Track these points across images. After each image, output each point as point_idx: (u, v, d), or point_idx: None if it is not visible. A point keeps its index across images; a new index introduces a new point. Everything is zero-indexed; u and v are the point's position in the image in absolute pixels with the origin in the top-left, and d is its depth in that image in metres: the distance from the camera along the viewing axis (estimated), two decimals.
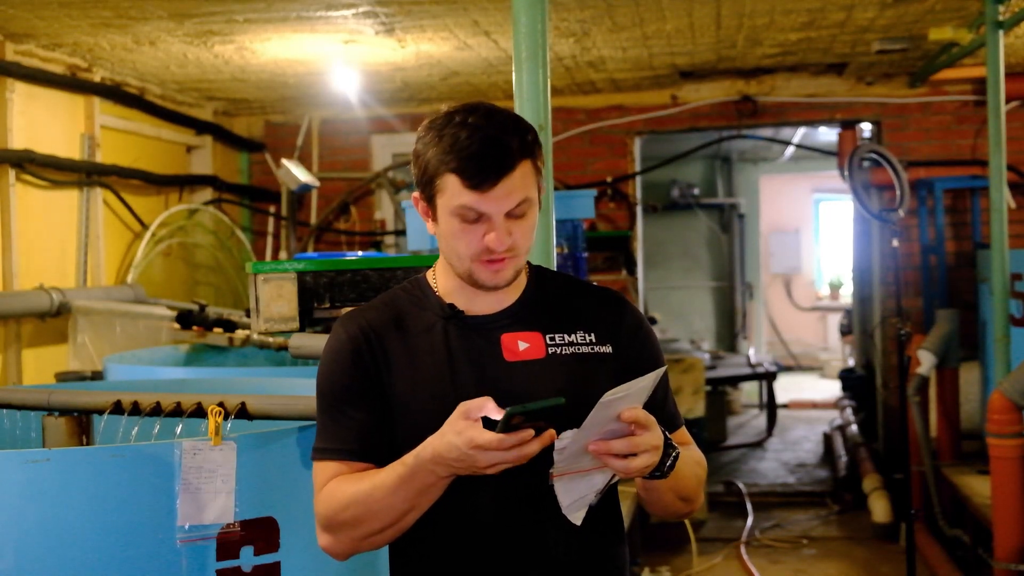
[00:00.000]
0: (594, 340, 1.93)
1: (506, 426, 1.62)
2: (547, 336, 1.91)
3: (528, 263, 2.00)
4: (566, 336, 1.92)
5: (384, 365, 1.88)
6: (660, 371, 1.75)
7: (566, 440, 1.71)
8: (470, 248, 1.83)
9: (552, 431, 1.67)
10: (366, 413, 1.87)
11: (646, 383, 1.71)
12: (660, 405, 1.92)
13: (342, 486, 1.83)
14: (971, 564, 5.54)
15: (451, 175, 1.79)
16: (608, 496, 1.92)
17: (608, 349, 1.93)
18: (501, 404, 1.70)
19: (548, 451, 1.72)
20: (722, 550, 6.56)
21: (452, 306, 1.92)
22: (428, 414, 1.82)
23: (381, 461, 1.84)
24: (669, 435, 1.84)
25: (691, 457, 1.94)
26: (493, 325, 1.91)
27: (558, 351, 1.90)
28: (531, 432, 1.64)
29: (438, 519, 1.84)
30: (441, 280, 1.95)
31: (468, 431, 1.66)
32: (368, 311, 1.96)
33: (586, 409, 1.68)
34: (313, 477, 1.90)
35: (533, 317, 1.93)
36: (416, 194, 1.90)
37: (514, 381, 1.85)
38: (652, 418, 1.73)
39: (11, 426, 3.09)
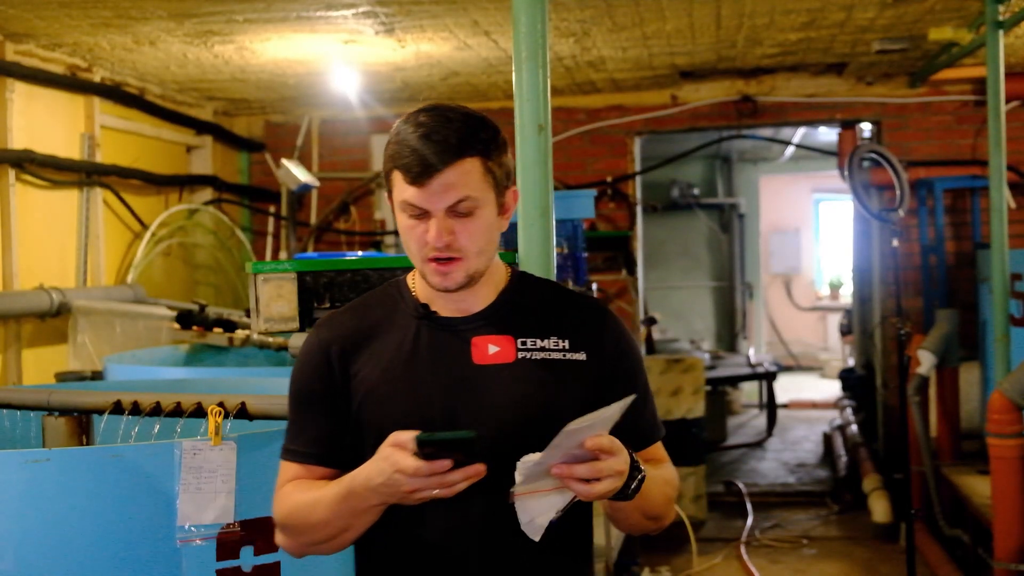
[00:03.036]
0: (567, 347, 1.90)
1: (422, 452, 1.65)
2: (519, 340, 1.89)
3: (513, 268, 2.00)
4: (538, 341, 1.90)
5: (354, 370, 1.90)
6: (627, 401, 1.72)
7: (529, 463, 1.72)
8: (418, 246, 1.84)
9: (481, 466, 1.67)
10: (330, 419, 1.89)
11: (612, 412, 1.70)
12: (636, 416, 1.87)
13: (293, 492, 1.87)
14: (971, 564, 5.53)
15: (396, 171, 1.83)
16: (578, 518, 1.92)
17: (581, 356, 1.90)
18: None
19: (510, 471, 1.72)
20: (722, 550, 6.56)
21: (425, 306, 1.92)
22: (393, 415, 1.83)
23: (346, 466, 1.84)
24: (644, 449, 1.87)
25: (660, 476, 1.91)
26: (465, 327, 1.90)
27: (528, 356, 1.88)
28: (448, 463, 1.65)
29: (393, 533, 1.86)
30: (419, 282, 1.95)
31: (394, 455, 1.68)
32: (343, 315, 1.98)
33: (552, 418, 1.71)
34: (278, 474, 1.94)
35: (506, 321, 1.91)
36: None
37: (481, 384, 1.85)
38: (618, 443, 1.72)
39: (11, 426, 3.10)
